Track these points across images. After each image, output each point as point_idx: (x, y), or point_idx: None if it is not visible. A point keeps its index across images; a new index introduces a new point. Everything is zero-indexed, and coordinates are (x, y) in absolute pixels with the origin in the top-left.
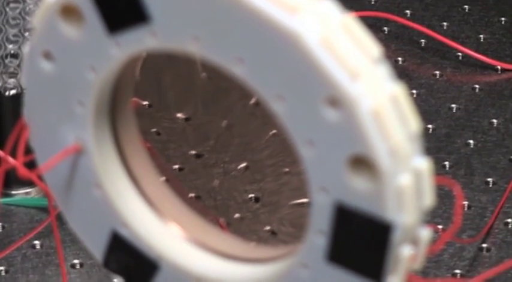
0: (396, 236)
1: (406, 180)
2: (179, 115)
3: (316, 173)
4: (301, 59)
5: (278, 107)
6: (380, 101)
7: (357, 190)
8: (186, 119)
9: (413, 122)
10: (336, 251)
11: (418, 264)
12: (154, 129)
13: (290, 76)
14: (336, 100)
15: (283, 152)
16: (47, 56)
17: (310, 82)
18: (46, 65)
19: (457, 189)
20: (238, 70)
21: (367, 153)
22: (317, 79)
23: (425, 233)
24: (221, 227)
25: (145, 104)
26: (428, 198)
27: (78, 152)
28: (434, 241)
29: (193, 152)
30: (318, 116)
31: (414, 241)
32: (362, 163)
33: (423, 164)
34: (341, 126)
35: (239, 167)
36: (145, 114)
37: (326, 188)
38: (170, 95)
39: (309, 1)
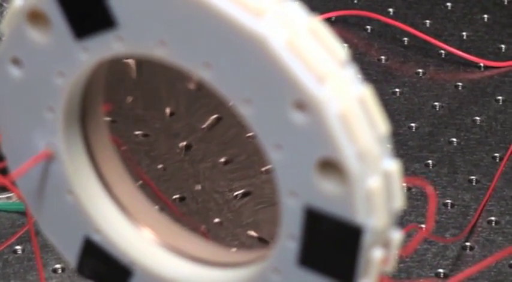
0: (367, 239)
1: (375, 183)
2: (167, 111)
3: (286, 176)
4: (267, 63)
5: (246, 111)
6: (347, 104)
7: (326, 193)
8: (171, 114)
9: (381, 124)
10: (307, 255)
11: (389, 267)
12: (140, 132)
13: (257, 80)
14: (303, 103)
15: None
16: (16, 61)
17: (277, 86)
18: (15, 71)
19: (429, 189)
20: (205, 75)
21: (335, 156)
22: (283, 83)
23: (397, 236)
24: (203, 233)
25: (130, 103)
26: (399, 201)
27: (50, 158)
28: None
29: (182, 144)
30: (285, 120)
31: (385, 244)
32: (331, 166)
33: (392, 166)
34: (309, 130)
35: (227, 160)
36: (129, 115)
37: (295, 192)
38: (157, 91)
39: (274, 4)
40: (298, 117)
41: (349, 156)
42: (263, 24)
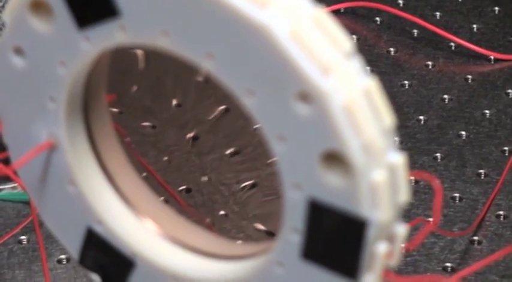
0: (371, 232)
1: (380, 176)
2: (173, 102)
3: (289, 168)
4: (271, 53)
5: (249, 102)
6: (352, 96)
7: (330, 186)
8: (178, 105)
9: (386, 117)
10: (310, 249)
11: (394, 261)
12: (148, 123)
13: (260, 71)
14: (307, 95)
15: None
16: (18, 51)
17: (281, 77)
18: (17, 61)
19: (436, 183)
20: (208, 65)
21: (339, 148)
22: (287, 74)
23: (402, 230)
24: (208, 226)
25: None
26: (404, 194)
27: (52, 148)
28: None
29: (189, 135)
30: (289, 111)
31: (390, 238)
32: (335, 159)
33: (398, 159)
34: (313, 122)
35: (234, 151)
36: (137, 106)
37: (299, 184)
38: (164, 82)
39: None
40: (302, 109)
41: (353, 148)
42: (267, 15)
